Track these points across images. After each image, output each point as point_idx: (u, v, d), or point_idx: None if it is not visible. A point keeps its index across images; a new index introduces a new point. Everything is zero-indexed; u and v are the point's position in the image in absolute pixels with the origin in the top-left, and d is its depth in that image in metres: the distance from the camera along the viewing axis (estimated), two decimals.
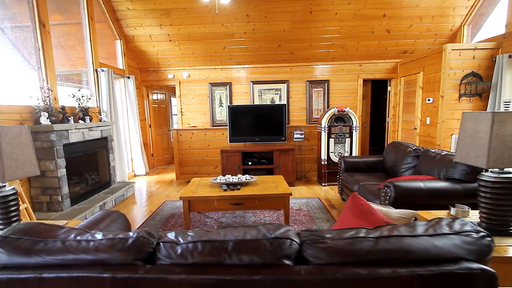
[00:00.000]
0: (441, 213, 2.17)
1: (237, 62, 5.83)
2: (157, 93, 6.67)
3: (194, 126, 5.93)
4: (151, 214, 3.70)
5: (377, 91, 6.94)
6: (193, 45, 5.52)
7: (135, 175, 5.79)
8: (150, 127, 6.37)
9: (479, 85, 4.41)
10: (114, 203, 4.02)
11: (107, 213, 2.05)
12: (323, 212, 3.62)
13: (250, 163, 4.74)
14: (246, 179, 3.30)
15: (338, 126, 4.60)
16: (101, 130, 4.09)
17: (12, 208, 1.64)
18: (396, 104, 5.79)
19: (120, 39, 5.26)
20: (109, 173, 4.30)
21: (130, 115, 5.49)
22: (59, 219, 3.09)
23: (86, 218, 3.38)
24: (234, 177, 3.35)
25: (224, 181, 3.27)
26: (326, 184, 4.68)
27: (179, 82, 5.94)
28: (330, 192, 4.43)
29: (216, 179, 3.35)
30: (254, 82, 5.85)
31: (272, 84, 5.87)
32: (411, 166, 3.33)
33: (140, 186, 5.05)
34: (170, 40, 5.43)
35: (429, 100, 4.78)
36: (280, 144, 5.02)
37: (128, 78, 5.36)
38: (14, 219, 1.65)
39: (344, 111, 4.57)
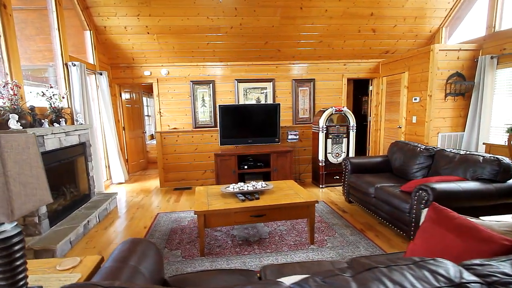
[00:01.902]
0: None
1: (221, 59, 5.42)
2: (129, 92, 5.96)
3: (175, 128, 5.39)
4: (148, 231, 3.19)
5: (355, 91, 7.06)
6: (174, 39, 4.99)
7: (112, 184, 5.09)
8: (124, 129, 5.66)
9: (462, 84, 4.63)
10: (98, 219, 3.40)
11: (133, 244, 1.60)
12: (336, 216, 3.47)
13: (246, 166, 4.42)
14: (262, 187, 2.99)
15: (335, 126, 4.51)
16: (78, 135, 3.42)
17: (17, 255, 1.14)
18: (378, 103, 5.90)
19: (90, 30, 4.52)
20: (88, 184, 3.64)
21: (104, 116, 4.77)
22: (39, 246, 2.46)
23: (70, 242, 2.78)
24: (247, 184, 3.02)
25: (238, 189, 2.92)
26: (324, 186, 4.56)
27: (157, 79, 5.35)
28: (330, 194, 4.31)
29: (229, 187, 2.98)
30: (239, 81, 5.50)
31: (258, 82, 5.58)
32: (424, 166, 3.32)
33: (122, 197, 4.41)
34: (148, 33, 4.83)
35: (415, 99, 4.92)
36: (274, 145, 4.78)
37: (101, 74, 4.65)
38: (20, 271, 1.15)
39: (342, 110, 4.48)
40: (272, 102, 5.45)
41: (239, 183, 3.05)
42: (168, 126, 5.43)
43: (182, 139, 4.95)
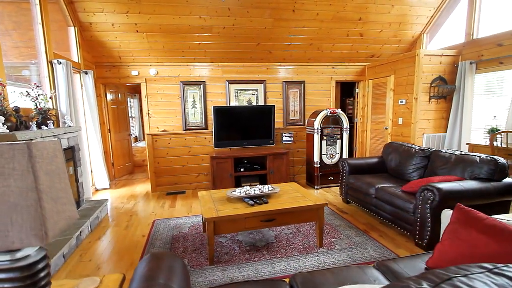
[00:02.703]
0: None
1: (212, 59, 5.25)
2: (114, 92, 5.60)
3: (165, 130, 5.14)
4: (147, 239, 2.96)
5: (340, 93, 7.16)
6: (164, 38, 4.74)
7: (96, 190, 4.72)
8: (109, 132, 5.30)
9: (444, 88, 4.83)
10: (90, 229, 3.11)
11: (157, 259, 1.43)
12: (337, 218, 3.44)
13: (242, 169, 4.29)
14: (269, 190, 2.89)
15: (330, 127, 4.51)
16: (67, 138, 3.12)
17: (42, 283, 0.95)
18: (364, 105, 6.02)
19: (74, 26, 4.17)
20: (78, 190, 3.33)
21: (89, 118, 4.42)
22: None
23: (63, 256, 2.50)
24: (253, 188, 2.90)
25: (244, 194, 2.80)
26: (319, 187, 4.54)
27: (145, 80, 5.06)
28: (327, 195, 4.30)
29: (235, 191, 2.85)
30: (230, 82, 5.36)
31: (249, 84, 5.48)
32: (419, 166, 3.39)
33: (111, 204, 4.10)
34: (137, 31, 4.55)
35: (401, 101, 5.06)
36: (269, 147, 4.69)
37: (86, 73, 4.31)
38: None
39: (336, 112, 4.49)
40: (263, 104, 5.37)
41: (244, 187, 2.92)
42: (157, 128, 5.16)
43: (174, 142, 4.72)
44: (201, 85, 5.25)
